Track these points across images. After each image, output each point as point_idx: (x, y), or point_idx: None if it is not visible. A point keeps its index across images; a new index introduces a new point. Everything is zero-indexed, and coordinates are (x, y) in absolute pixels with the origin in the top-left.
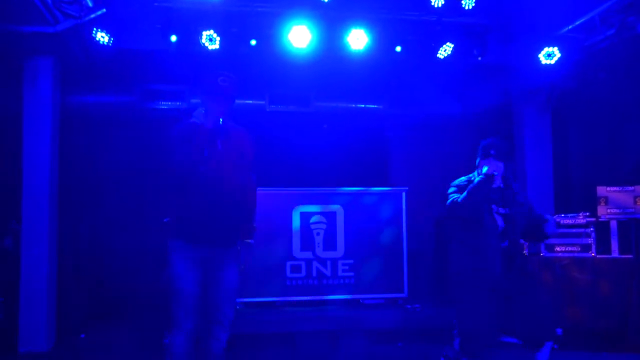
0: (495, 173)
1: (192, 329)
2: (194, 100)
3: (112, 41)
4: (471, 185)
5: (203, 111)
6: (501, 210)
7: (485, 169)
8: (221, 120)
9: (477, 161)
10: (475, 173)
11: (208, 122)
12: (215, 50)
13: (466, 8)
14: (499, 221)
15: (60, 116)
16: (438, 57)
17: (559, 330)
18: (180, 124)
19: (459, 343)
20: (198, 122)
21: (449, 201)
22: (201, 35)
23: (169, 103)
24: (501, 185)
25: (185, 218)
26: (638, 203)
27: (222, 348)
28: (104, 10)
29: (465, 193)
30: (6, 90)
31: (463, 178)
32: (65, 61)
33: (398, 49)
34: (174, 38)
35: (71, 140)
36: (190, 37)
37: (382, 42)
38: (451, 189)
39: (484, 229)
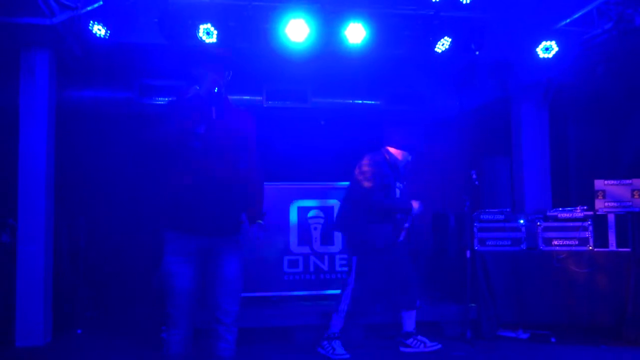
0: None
1: (189, 327)
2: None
3: (109, 34)
4: (397, 204)
5: (197, 87)
6: (399, 184)
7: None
8: (216, 89)
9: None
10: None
11: (203, 92)
12: (213, 44)
13: (464, 2)
14: (398, 193)
15: (57, 111)
16: (436, 52)
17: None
18: (173, 99)
19: (348, 305)
20: (193, 94)
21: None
22: (198, 28)
23: (166, 99)
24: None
25: (178, 202)
26: (635, 196)
27: (231, 350)
28: (101, 2)
29: (389, 204)
30: (2, 83)
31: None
32: (62, 54)
33: (396, 43)
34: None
35: (67, 135)
36: (188, 31)
37: (380, 36)
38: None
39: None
